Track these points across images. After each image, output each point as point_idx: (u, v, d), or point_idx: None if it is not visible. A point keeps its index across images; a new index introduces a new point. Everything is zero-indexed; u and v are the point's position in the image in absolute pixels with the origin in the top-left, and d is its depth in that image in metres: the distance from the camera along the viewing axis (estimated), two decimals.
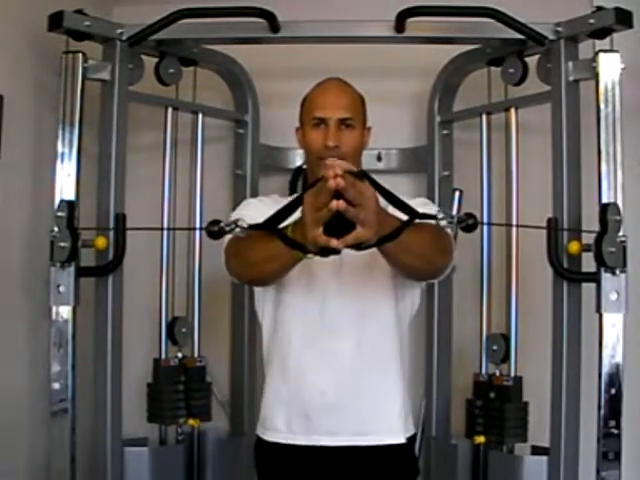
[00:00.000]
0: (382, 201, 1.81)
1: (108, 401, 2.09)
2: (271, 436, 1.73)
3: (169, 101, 2.34)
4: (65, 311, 2.03)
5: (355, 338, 1.68)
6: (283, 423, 1.70)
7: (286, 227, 1.43)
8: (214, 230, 1.54)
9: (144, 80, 2.23)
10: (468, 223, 1.52)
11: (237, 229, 1.50)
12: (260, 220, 1.70)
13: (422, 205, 1.77)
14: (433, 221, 1.46)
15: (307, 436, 1.67)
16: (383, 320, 1.71)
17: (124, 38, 2.12)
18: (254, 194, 2.43)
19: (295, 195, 1.37)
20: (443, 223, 1.46)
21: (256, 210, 1.76)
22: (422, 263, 1.59)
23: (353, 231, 1.26)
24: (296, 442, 1.68)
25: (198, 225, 2.40)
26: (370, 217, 1.27)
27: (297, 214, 1.39)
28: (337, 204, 1.22)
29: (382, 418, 1.69)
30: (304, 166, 2.39)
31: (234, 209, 1.91)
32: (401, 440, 1.70)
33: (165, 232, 2.33)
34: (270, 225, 1.44)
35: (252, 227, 1.48)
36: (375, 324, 1.70)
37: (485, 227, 2.30)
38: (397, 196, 1.44)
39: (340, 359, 1.67)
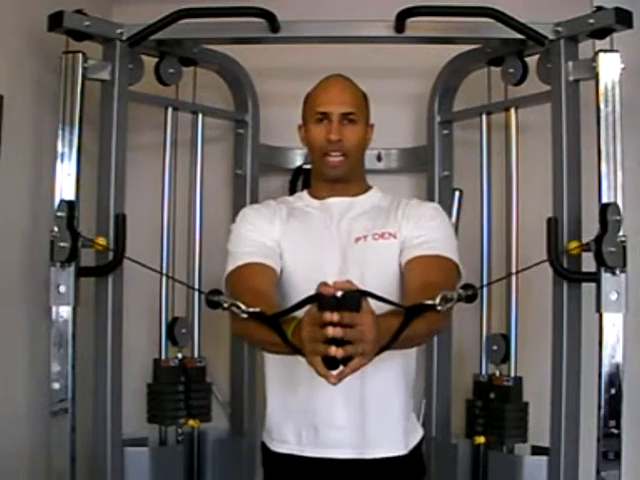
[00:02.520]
0: (383, 203, 1.80)
1: (108, 401, 2.09)
2: (280, 447, 1.71)
3: (169, 101, 2.34)
4: (65, 311, 2.03)
5: (360, 383, 1.64)
6: (292, 435, 1.69)
7: (290, 320, 1.38)
8: (213, 300, 1.52)
9: (144, 80, 2.23)
10: (468, 294, 1.53)
11: (235, 309, 1.46)
12: (259, 239, 1.69)
13: (432, 215, 1.73)
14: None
15: (315, 448, 1.67)
16: (391, 367, 1.68)
17: (124, 38, 2.12)
18: (254, 194, 2.44)
19: (302, 298, 1.34)
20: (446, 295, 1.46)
21: (254, 228, 1.73)
22: (426, 339, 1.63)
23: (352, 361, 1.26)
24: (304, 454, 1.67)
25: (198, 225, 2.40)
26: (369, 347, 1.26)
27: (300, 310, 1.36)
28: (335, 352, 1.22)
29: (388, 433, 1.68)
30: (304, 166, 2.40)
31: (235, 214, 1.85)
32: (406, 452, 1.69)
33: (165, 233, 2.33)
34: (271, 321, 1.41)
35: (252, 316, 1.44)
36: (382, 373, 1.66)
37: (485, 227, 2.30)
38: (394, 301, 1.43)
39: (347, 386, 1.65)
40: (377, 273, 1.66)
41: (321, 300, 1.25)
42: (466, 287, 1.54)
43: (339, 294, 1.25)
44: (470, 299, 1.54)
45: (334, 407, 1.65)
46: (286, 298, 1.69)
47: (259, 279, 1.63)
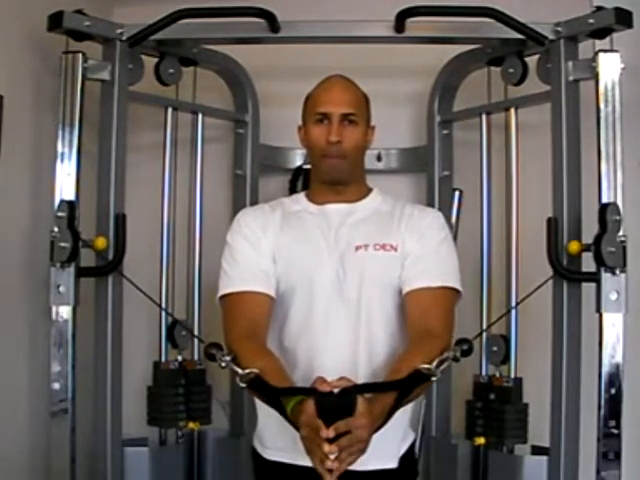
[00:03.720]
0: (384, 207, 1.74)
1: (108, 401, 2.09)
2: (273, 455, 1.68)
3: (169, 101, 2.34)
4: (65, 311, 2.03)
5: None
6: (286, 445, 1.63)
7: (291, 398, 1.42)
8: (211, 353, 1.55)
9: (144, 80, 2.23)
10: (464, 349, 1.56)
11: (233, 367, 1.50)
12: (254, 259, 1.67)
13: (437, 230, 1.70)
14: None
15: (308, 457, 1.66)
16: None
17: (124, 38, 2.12)
18: (254, 194, 2.44)
19: (301, 387, 1.45)
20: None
21: (249, 246, 1.69)
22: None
23: (348, 458, 1.33)
24: (297, 462, 1.62)
25: (198, 225, 2.40)
26: (364, 445, 1.33)
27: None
28: (331, 466, 1.31)
29: (380, 447, 1.62)
30: (304, 166, 2.40)
31: (235, 215, 1.84)
32: (397, 465, 1.68)
33: (165, 233, 2.33)
34: (270, 395, 1.46)
35: (250, 386, 1.47)
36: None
37: (485, 227, 2.30)
38: (392, 382, 1.46)
39: None
40: (375, 284, 1.65)
41: (318, 399, 1.34)
42: (461, 342, 1.58)
43: (336, 391, 1.34)
44: (466, 354, 1.58)
45: None
46: (283, 306, 1.68)
47: (254, 313, 1.64)
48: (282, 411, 1.42)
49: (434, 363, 1.46)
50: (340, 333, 1.64)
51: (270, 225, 1.72)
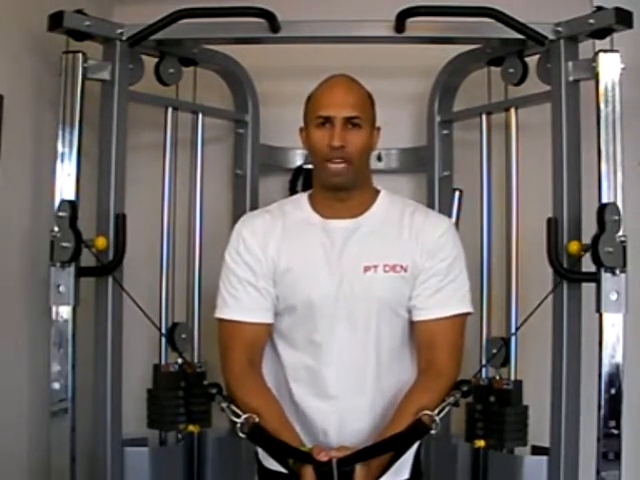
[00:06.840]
0: (392, 214, 1.71)
1: (108, 401, 2.09)
2: (274, 465, 1.62)
3: (169, 101, 2.34)
4: (65, 311, 2.03)
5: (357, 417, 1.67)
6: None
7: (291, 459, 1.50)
8: (212, 393, 1.62)
9: (144, 80, 2.23)
10: (463, 390, 1.61)
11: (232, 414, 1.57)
12: (253, 283, 1.66)
13: (448, 249, 1.68)
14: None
15: None
16: (390, 403, 1.67)
17: (124, 38, 2.12)
18: (254, 194, 2.44)
19: (300, 450, 1.50)
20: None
21: (248, 269, 1.67)
22: None
23: None
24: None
25: (198, 225, 2.40)
26: None
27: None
28: None
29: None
30: (304, 166, 2.40)
31: (235, 215, 1.83)
32: (404, 476, 1.68)
33: (165, 233, 2.33)
34: (271, 450, 1.53)
35: (250, 438, 1.53)
36: (378, 406, 1.68)
37: (485, 227, 2.30)
38: (390, 441, 1.51)
39: (340, 422, 1.65)
40: (385, 306, 1.64)
41: (316, 469, 1.41)
42: (461, 383, 1.63)
43: (334, 462, 1.40)
44: (466, 395, 1.63)
45: (327, 434, 1.63)
46: (284, 321, 1.68)
47: (251, 342, 1.66)
48: (280, 460, 1.50)
49: (436, 410, 1.52)
50: (347, 353, 1.63)
51: (270, 240, 1.68)
